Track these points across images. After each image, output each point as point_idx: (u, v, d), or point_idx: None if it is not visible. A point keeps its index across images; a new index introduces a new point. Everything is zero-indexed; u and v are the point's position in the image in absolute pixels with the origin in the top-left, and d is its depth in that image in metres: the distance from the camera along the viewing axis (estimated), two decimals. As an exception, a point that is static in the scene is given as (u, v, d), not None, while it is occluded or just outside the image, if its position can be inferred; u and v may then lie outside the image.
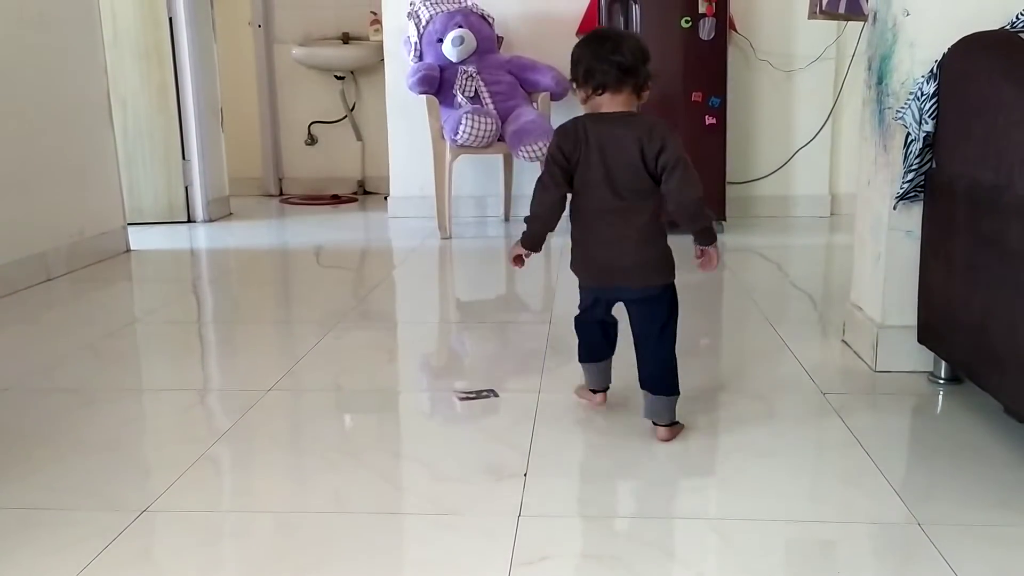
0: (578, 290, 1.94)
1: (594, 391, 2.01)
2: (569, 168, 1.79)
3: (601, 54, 1.74)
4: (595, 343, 1.96)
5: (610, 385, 2.02)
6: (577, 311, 1.96)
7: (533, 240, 1.86)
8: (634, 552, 1.44)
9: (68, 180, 3.63)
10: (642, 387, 1.85)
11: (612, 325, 1.96)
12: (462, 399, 2.12)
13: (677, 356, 1.85)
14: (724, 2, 4.06)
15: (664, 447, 1.83)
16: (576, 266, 1.87)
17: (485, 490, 1.65)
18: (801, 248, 4.04)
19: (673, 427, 1.86)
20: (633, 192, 1.76)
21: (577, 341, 1.99)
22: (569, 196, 1.83)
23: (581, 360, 2.00)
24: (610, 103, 1.76)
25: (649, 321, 1.83)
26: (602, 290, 1.87)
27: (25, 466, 1.78)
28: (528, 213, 1.86)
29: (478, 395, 2.13)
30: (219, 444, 1.88)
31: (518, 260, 1.89)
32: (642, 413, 1.86)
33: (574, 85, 1.81)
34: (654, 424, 1.85)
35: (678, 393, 1.84)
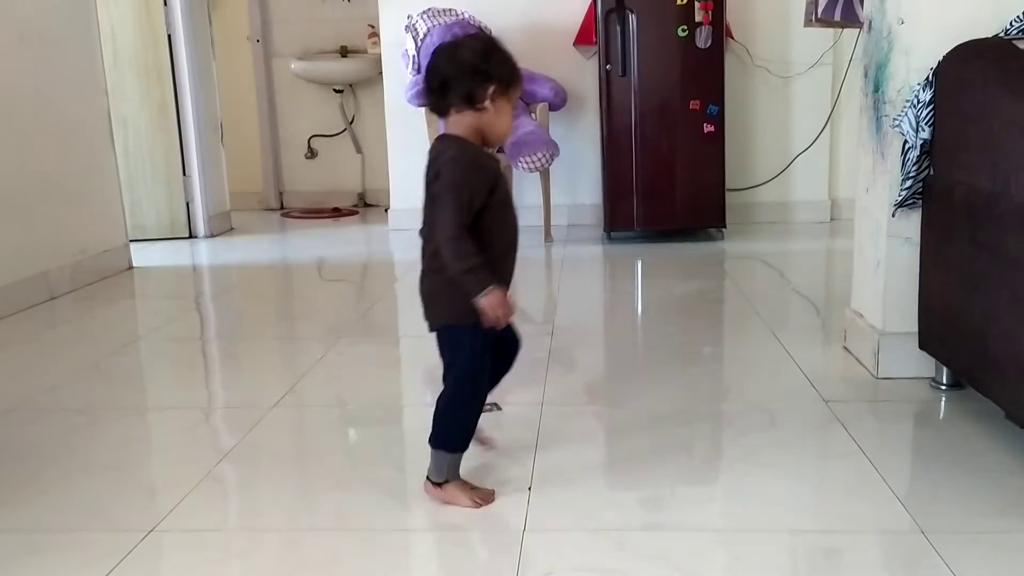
0: None
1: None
2: None
3: (424, 81, 1.64)
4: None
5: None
6: None
7: None
8: (640, 566, 1.44)
9: (70, 199, 3.65)
10: None
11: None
12: (466, 413, 2.12)
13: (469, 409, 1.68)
14: (721, 10, 4.08)
15: (666, 456, 1.83)
16: None
17: (490, 505, 1.65)
18: (802, 254, 4.05)
19: (438, 487, 1.64)
20: (425, 222, 1.63)
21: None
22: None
23: None
24: (446, 127, 1.63)
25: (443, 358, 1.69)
26: None
27: (33, 488, 1.78)
28: None
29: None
30: (224, 463, 1.88)
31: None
32: None
33: None
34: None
35: (446, 450, 1.64)
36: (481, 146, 1.61)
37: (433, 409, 1.67)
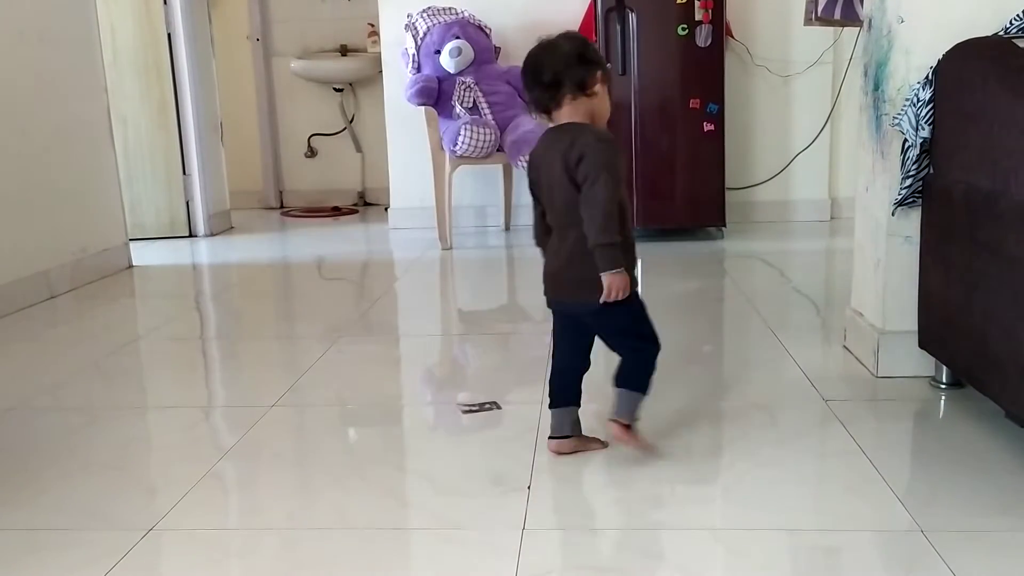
0: None
1: (550, 436, 1.86)
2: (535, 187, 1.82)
3: (527, 82, 1.76)
4: (557, 385, 1.87)
5: (568, 435, 1.85)
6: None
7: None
8: (639, 564, 1.44)
9: (70, 197, 3.65)
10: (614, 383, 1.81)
11: (575, 370, 1.86)
12: (465, 412, 2.13)
13: (657, 367, 1.80)
14: (720, 9, 4.07)
15: (665, 455, 1.83)
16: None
17: (489, 504, 1.65)
18: (802, 253, 4.05)
19: (627, 428, 1.77)
20: (564, 207, 1.73)
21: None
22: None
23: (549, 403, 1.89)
24: (558, 118, 1.76)
25: (605, 334, 1.83)
26: (552, 303, 1.87)
27: (33, 487, 1.78)
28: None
29: (480, 408, 2.13)
30: (224, 461, 1.88)
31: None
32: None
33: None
34: (611, 418, 1.78)
35: (643, 391, 1.78)
36: None
37: (619, 373, 1.79)
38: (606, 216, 1.64)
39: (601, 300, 1.67)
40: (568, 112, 1.72)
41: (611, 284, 1.66)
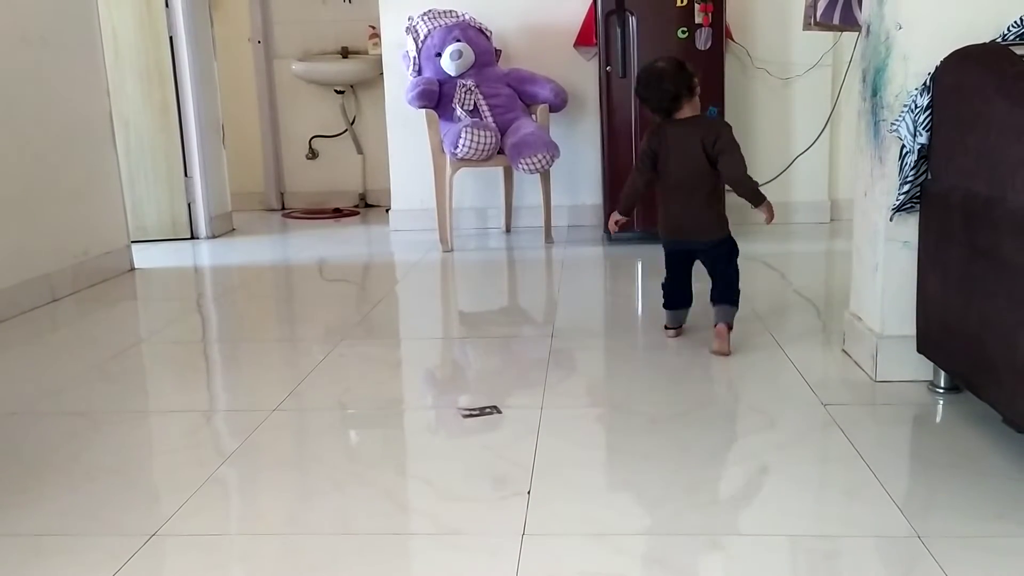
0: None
1: (667, 327, 2.74)
2: (655, 158, 2.54)
3: (652, 99, 2.52)
4: (676, 295, 2.72)
5: (682, 325, 2.74)
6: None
7: (628, 210, 2.70)
8: (638, 569, 1.45)
9: (72, 200, 3.66)
10: (712, 302, 2.60)
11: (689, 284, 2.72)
12: (466, 416, 2.14)
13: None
14: (720, 12, 4.09)
15: (665, 460, 1.85)
16: (660, 227, 2.64)
17: (489, 508, 1.67)
18: (801, 255, 4.06)
19: (731, 328, 2.58)
20: (697, 172, 2.49)
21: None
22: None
23: (664, 306, 2.73)
24: (679, 115, 2.52)
25: (716, 258, 2.61)
26: (680, 243, 2.62)
27: (35, 492, 1.80)
28: (624, 191, 2.68)
29: (481, 412, 2.14)
30: (226, 466, 1.90)
31: (616, 224, 2.71)
32: (713, 319, 2.60)
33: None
34: (716, 325, 2.57)
35: (738, 305, 2.60)
36: None
37: (719, 295, 2.61)
38: (746, 173, 2.48)
39: (771, 222, 2.56)
40: (688, 109, 2.50)
41: (770, 208, 2.54)
